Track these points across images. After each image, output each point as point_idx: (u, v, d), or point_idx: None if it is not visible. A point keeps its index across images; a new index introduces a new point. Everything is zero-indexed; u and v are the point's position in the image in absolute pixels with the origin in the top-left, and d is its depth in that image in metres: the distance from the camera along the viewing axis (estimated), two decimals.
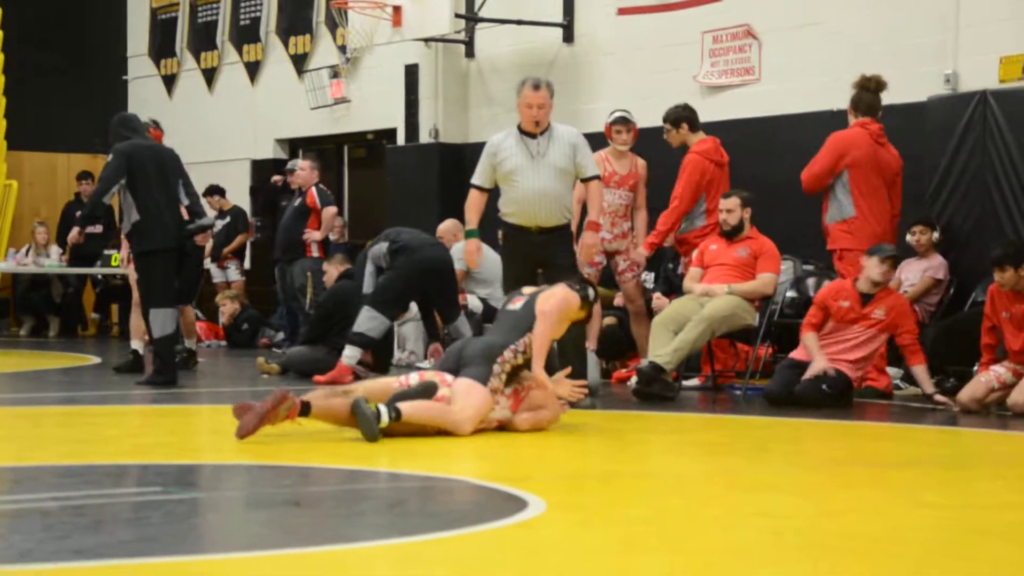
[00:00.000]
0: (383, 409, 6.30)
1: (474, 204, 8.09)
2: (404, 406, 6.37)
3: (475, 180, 8.12)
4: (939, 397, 8.23)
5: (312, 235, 12.43)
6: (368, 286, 9.69)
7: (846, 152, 8.98)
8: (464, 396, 6.53)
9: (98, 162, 17.48)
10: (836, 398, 8.30)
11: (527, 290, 7.14)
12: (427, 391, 6.54)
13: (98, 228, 15.48)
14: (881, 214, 9.00)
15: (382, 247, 9.71)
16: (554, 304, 6.83)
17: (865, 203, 8.93)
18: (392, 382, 6.70)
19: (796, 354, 8.67)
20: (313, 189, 12.54)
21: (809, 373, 8.35)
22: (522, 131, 8.00)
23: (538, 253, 8.02)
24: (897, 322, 8.39)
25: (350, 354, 9.55)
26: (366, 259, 9.81)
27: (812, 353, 8.46)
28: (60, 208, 16.55)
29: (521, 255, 8.06)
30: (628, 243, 9.80)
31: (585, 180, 8.07)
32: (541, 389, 6.78)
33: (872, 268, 8.43)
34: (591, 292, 7.10)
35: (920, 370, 8.36)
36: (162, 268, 9.20)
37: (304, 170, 12.68)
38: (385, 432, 6.29)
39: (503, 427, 6.72)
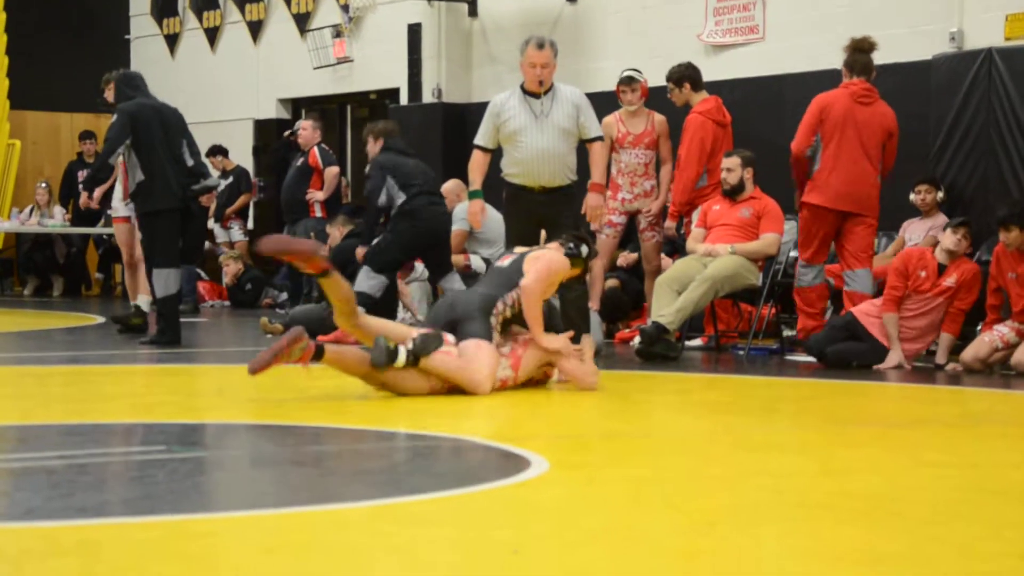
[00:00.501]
0: (401, 350, 6.34)
1: (477, 165, 8.07)
2: (425, 360, 6.40)
3: (478, 140, 8.09)
4: (950, 367, 8.22)
5: (315, 195, 12.41)
6: (384, 199, 9.62)
7: (823, 110, 8.91)
8: (475, 356, 6.55)
9: (101, 121, 17.41)
10: (863, 367, 8.30)
11: (519, 249, 7.14)
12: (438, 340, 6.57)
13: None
14: (850, 173, 8.82)
15: (398, 195, 9.63)
16: (535, 274, 6.80)
17: (831, 161, 8.82)
18: (411, 331, 6.70)
19: (860, 315, 8.46)
20: (315, 149, 12.51)
21: (885, 366, 8.25)
22: (525, 91, 7.96)
23: (541, 212, 8.01)
24: (960, 290, 8.30)
25: None
26: (382, 172, 9.67)
27: (892, 341, 8.30)
28: (63, 168, 16.53)
29: (524, 215, 8.04)
30: (652, 200, 9.77)
31: (588, 141, 8.04)
32: (556, 356, 6.81)
33: (945, 238, 8.36)
34: (584, 249, 7.08)
35: (947, 338, 8.32)
36: (166, 228, 9.20)
37: (306, 130, 12.65)
38: (400, 390, 6.38)
39: (505, 386, 6.74)
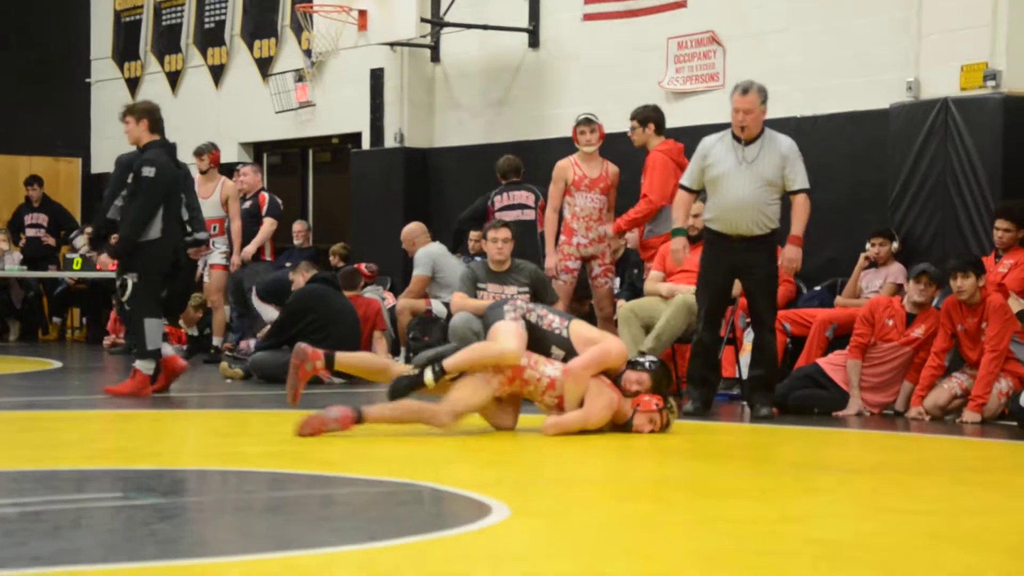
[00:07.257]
0: (427, 372, 6.59)
1: (682, 203, 8.23)
2: (448, 360, 6.63)
3: (683, 181, 8.23)
4: (911, 414, 8.23)
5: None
6: None
7: None
8: (496, 332, 6.76)
9: (60, 165, 17.36)
10: (824, 414, 8.31)
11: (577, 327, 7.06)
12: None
13: (41, 232, 15.41)
14: None
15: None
16: (586, 359, 6.80)
17: None
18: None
19: (826, 364, 8.50)
20: (265, 195, 12.45)
21: (845, 413, 8.24)
22: (735, 136, 8.00)
23: (736, 261, 8.02)
24: (927, 341, 8.29)
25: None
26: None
27: (852, 388, 8.32)
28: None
29: (718, 262, 8.05)
30: (604, 247, 9.77)
31: (792, 193, 8.02)
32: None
33: (910, 290, 8.38)
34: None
35: (909, 387, 8.31)
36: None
37: (248, 175, 12.59)
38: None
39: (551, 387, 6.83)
